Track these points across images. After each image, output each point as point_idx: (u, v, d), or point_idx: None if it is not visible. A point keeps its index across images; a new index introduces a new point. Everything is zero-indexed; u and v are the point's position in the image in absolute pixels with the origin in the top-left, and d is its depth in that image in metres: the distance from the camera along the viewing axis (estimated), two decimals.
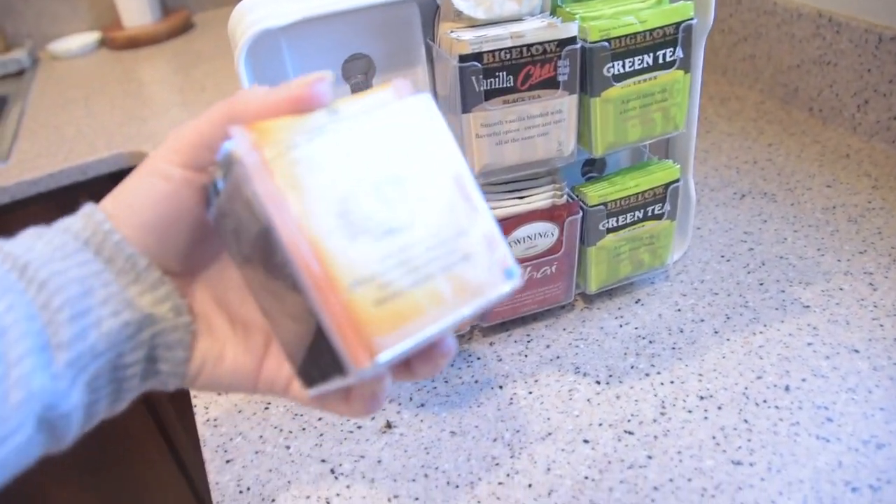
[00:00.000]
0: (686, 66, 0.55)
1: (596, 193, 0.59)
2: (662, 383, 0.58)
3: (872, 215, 0.75)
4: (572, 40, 0.51)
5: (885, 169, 0.82)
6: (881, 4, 0.83)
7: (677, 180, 0.61)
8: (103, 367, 0.33)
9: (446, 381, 0.60)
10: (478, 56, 0.50)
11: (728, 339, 0.61)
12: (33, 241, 0.33)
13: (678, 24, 0.53)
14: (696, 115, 0.63)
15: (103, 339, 0.33)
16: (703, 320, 0.64)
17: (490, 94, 0.52)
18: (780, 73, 0.99)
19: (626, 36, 0.52)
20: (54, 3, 1.69)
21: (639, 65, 0.54)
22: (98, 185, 1.18)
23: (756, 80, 1.04)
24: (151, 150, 1.12)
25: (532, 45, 0.50)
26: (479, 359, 0.63)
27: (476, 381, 0.60)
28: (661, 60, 0.54)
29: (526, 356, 0.62)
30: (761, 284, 0.67)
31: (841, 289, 0.65)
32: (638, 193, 0.60)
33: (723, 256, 0.72)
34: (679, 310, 0.65)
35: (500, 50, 0.50)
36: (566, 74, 0.52)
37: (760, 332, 0.62)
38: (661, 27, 0.53)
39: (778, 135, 0.93)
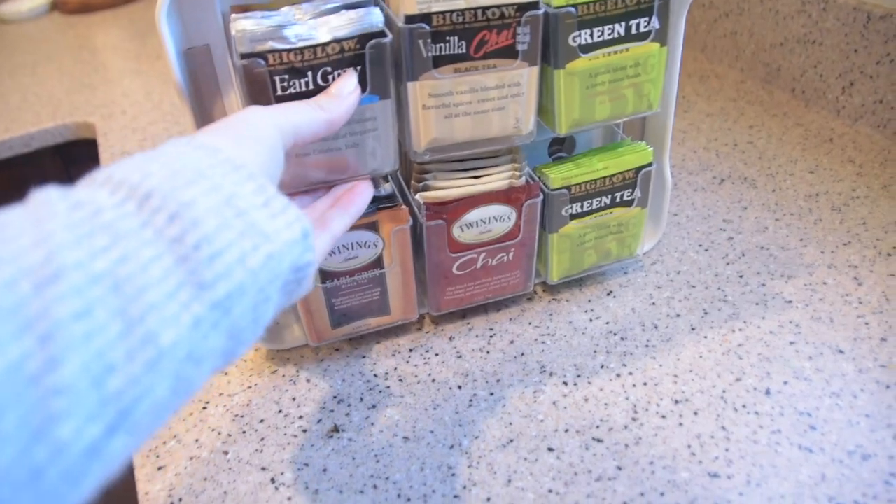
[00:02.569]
0: (662, 38, 0.50)
1: (559, 175, 0.54)
2: (634, 385, 0.53)
3: (857, 204, 0.71)
4: (534, 5, 0.46)
5: (869, 155, 0.78)
6: None
7: (650, 164, 0.56)
8: (247, 306, 0.30)
9: (401, 380, 0.56)
10: (426, 17, 0.44)
11: (705, 337, 0.57)
12: (147, 165, 0.30)
13: None
14: (675, 94, 0.58)
15: (250, 276, 0.30)
16: (678, 315, 0.59)
17: (439, 61, 0.46)
18: (763, 51, 0.94)
19: (596, 2, 0.47)
20: None
21: (609, 35, 0.48)
22: (42, 158, 1.11)
23: (737, 58, 0.99)
24: (99, 121, 1.05)
25: (488, 7, 0.45)
26: (437, 355, 0.58)
27: (433, 381, 0.55)
28: (634, 31, 0.49)
29: (488, 353, 0.57)
30: (741, 277, 0.63)
31: (824, 283, 0.61)
32: (606, 177, 0.55)
33: (700, 245, 0.67)
34: (654, 303, 0.61)
35: (452, 12, 0.44)
36: (526, 43, 0.47)
37: (740, 330, 0.57)
38: None
39: (759, 116, 0.88)
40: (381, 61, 0.44)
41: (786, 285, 0.62)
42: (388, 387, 0.55)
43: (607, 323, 0.59)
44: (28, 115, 1.11)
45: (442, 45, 0.45)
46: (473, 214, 0.53)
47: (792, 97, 0.92)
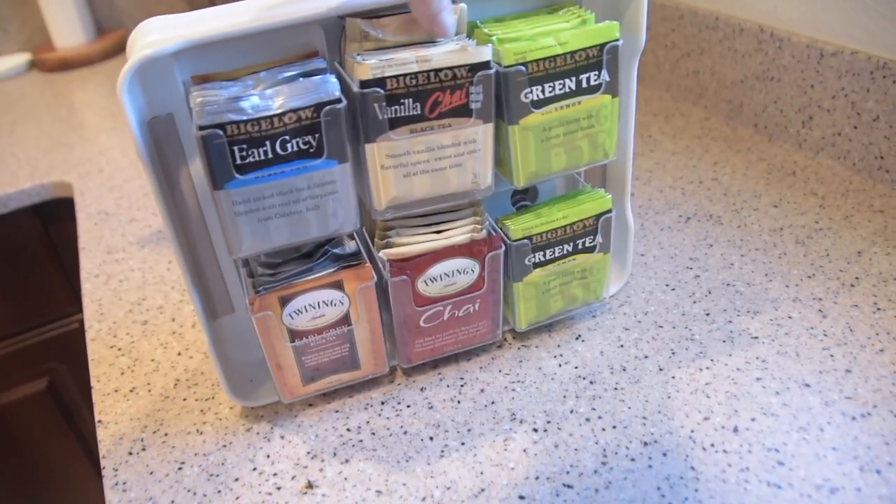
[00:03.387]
0: (613, 90, 0.52)
1: (519, 227, 0.55)
2: (604, 429, 0.54)
3: (820, 236, 0.72)
4: (485, 65, 0.47)
5: (831, 186, 0.80)
6: (822, 20, 0.81)
7: (609, 211, 0.58)
8: None
9: (373, 434, 0.56)
10: (380, 81, 0.45)
11: (673, 377, 0.58)
12: None
13: (602, 46, 0.49)
14: (632, 141, 0.59)
15: None
16: (646, 357, 0.60)
17: (395, 123, 0.47)
18: (724, 88, 0.97)
19: (545, 59, 0.48)
20: None
21: (560, 90, 0.50)
22: (20, 219, 1.12)
23: (700, 96, 1.01)
24: (76, 180, 1.06)
25: (440, 70, 0.46)
26: (408, 406, 0.58)
27: (405, 433, 0.56)
28: (584, 85, 0.50)
29: (459, 402, 0.58)
30: (707, 315, 0.64)
31: (790, 317, 0.62)
32: (566, 226, 0.56)
33: (667, 285, 0.68)
34: (622, 345, 0.62)
35: (405, 75, 0.46)
36: (479, 101, 0.48)
37: (707, 368, 0.58)
38: (584, 49, 0.49)
39: (723, 152, 0.90)
40: (337, 127, 0.46)
41: (752, 321, 0.62)
42: (361, 440, 0.56)
43: (576, 367, 0.60)
44: (5, 175, 1.12)
45: (397, 107, 0.47)
46: (437, 269, 0.54)
47: (755, 132, 0.94)
